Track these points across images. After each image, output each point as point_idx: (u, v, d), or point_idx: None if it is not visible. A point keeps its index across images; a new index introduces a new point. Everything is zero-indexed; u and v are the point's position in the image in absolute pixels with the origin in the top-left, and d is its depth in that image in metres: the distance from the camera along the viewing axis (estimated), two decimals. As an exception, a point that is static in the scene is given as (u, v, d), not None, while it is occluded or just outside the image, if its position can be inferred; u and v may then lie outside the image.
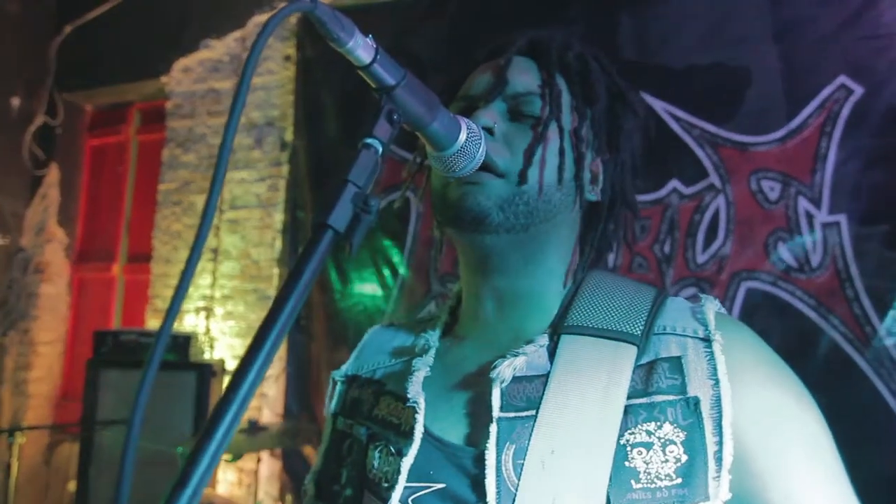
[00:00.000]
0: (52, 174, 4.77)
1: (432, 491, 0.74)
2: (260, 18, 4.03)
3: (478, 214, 0.77)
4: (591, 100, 0.85)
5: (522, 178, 0.78)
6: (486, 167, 0.77)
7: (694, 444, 0.69)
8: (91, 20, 4.59)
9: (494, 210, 0.77)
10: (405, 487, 0.75)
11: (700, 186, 2.74)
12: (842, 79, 2.53)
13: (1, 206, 4.62)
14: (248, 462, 3.47)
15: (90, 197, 4.97)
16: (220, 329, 3.86)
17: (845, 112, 2.51)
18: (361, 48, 0.60)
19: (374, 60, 0.61)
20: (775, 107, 2.63)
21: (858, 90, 2.50)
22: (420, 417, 0.78)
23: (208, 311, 3.90)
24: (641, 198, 2.80)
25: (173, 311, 0.48)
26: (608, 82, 0.87)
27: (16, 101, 4.69)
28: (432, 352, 0.86)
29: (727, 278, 2.65)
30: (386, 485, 0.76)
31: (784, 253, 2.57)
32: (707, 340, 0.74)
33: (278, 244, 3.79)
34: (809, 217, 2.54)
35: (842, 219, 2.50)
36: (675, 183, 2.78)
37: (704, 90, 2.76)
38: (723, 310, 0.80)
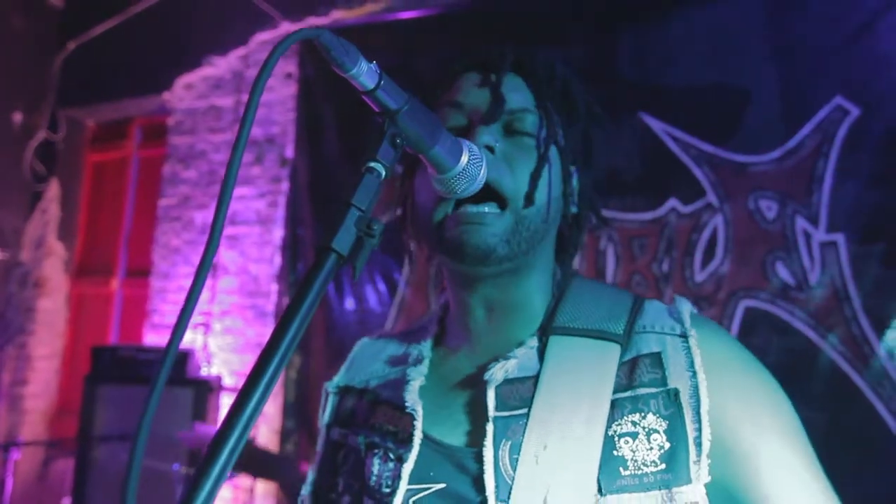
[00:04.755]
0: (53, 189, 4.78)
1: (433, 491, 0.77)
2: (263, 36, 4.05)
3: (484, 252, 0.78)
4: (573, 118, 0.89)
5: (530, 199, 0.80)
6: (489, 188, 0.78)
7: (675, 432, 0.73)
8: (94, 37, 4.62)
9: (501, 245, 0.79)
10: (406, 490, 0.78)
11: (698, 205, 2.75)
12: (838, 100, 2.55)
13: (1, 220, 4.63)
14: (243, 479, 3.44)
15: (90, 212, 4.98)
16: (217, 344, 3.85)
17: (842, 132, 2.53)
18: (365, 74, 0.60)
19: (377, 86, 0.62)
20: (773, 127, 2.65)
21: (855, 111, 2.52)
22: (419, 423, 0.81)
23: (206, 327, 3.89)
24: (640, 216, 2.81)
25: (178, 335, 0.48)
26: (585, 101, 0.91)
27: (18, 117, 4.71)
28: (426, 362, 0.89)
29: (725, 297, 2.66)
30: (387, 490, 0.80)
31: (782, 271, 2.58)
32: (684, 337, 0.79)
33: (277, 260, 3.80)
34: (807, 236, 2.55)
35: (839, 238, 2.51)
36: (673, 202, 2.79)
37: (702, 110, 2.78)
38: (695, 310, 0.84)
